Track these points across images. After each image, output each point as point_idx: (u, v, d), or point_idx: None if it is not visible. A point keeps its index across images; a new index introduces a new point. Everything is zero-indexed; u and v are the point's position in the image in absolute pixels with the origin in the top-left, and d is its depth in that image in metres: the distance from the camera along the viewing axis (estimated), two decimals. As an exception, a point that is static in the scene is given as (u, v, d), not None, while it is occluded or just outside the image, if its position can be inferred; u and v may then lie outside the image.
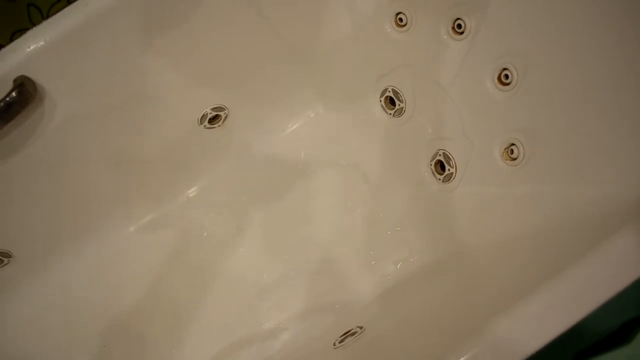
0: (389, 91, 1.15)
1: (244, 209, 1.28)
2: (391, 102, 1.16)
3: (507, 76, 0.89)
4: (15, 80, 0.88)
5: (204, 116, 1.15)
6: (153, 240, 1.29)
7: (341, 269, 1.19)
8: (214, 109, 1.14)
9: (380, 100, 1.17)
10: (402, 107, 1.13)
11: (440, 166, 1.08)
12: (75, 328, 1.25)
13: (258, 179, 1.29)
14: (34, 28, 0.89)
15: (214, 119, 1.16)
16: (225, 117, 1.18)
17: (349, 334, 1.00)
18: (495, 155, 0.94)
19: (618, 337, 0.95)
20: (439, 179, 1.08)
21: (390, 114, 1.17)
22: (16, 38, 0.90)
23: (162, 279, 1.27)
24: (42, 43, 0.89)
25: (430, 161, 1.10)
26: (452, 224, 1.02)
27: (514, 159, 0.91)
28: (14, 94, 0.88)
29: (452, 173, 1.04)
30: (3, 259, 1.16)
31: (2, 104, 0.87)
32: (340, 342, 1.00)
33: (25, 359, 1.24)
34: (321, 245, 1.22)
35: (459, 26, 0.94)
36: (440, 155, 1.07)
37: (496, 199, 0.95)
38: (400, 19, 1.05)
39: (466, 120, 1.00)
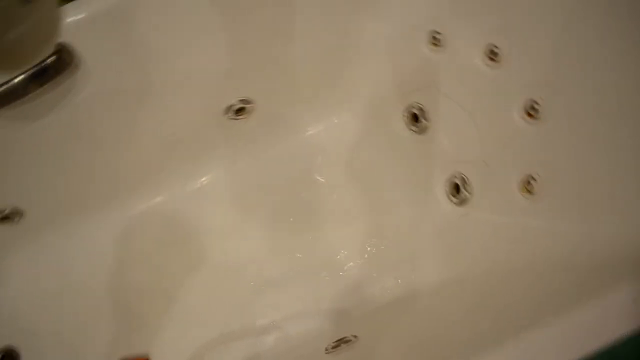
0: (414, 108, 1.15)
1: (252, 205, 1.29)
2: (415, 118, 1.16)
3: (534, 108, 0.89)
4: (55, 46, 0.89)
5: (230, 107, 1.16)
6: (159, 223, 1.31)
7: (342, 276, 1.19)
8: (241, 101, 1.15)
9: (404, 116, 1.18)
10: (425, 126, 1.14)
11: (456, 189, 1.09)
12: (72, 295, 1.27)
13: (271, 176, 1.30)
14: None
15: (239, 111, 1.17)
16: (251, 111, 1.19)
17: (342, 341, 1.01)
18: (512, 185, 0.94)
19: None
20: (453, 201, 1.08)
21: (413, 130, 1.17)
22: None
23: (164, 261, 1.28)
24: (85, 14, 0.91)
25: (446, 183, 1.10)
26: (460, 247, 1.02)
27: (531, 192, 0.91)
28: (51, 59, 0.90)
29: (467, 198, 1.05)
30: (15, 216, 1.18)
31: (38, 67, 0.89)
32: (332, 348, 1.01)
33: (20, 318, 1.26)
34: (325, 250, 1.23)
35: (494, 53, 0.95)
36: (457, 178, 1.08)
37: (507, 228, 0.95)
38: (436, 38, 1.06)
39: (488, 147, 1.00)
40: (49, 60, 0.90)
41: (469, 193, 1.05)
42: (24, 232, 1.23)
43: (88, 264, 1.30)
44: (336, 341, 1.01)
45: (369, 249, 1.19)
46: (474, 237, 1.00)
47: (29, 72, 0.89)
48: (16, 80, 0.88)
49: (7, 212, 1.17)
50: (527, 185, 0.91)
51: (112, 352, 1.20)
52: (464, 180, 1.06)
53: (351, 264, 1.18)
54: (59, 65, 0.91)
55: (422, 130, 1.15)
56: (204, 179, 1.31)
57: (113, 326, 1.24)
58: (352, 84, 1.22)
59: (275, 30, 1.06)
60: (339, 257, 1.21)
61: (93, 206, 1.27)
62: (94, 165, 1.17)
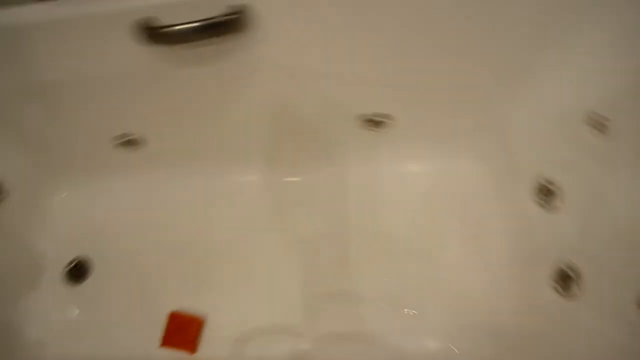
0: (550, 183, 1.08)
1: (331, 217, 1.27)
2: (545, 192, 1.09)
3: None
4: (239, 7, 0.92)
5: (365, 115, 1.15)
6: (243, 198, 1.33)
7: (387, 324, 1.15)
8: (382, 115, 1.13)
9: (535, 186, 1.11)
10: (555, 204, 1.07)
11: (563, 279, 1.01)
12: (155, 233, 1.32)
13: (362, 196, 1.28)
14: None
15: (376, 124, 1.15)
16: (387, 127, 1.17)
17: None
18: (631, 295, 0.86)
19: None
20: (559, 292, 1.01)
21: (538, 202, 1.10)
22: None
23: (249, 235, 1.30)
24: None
25: (555, 269, 1.03)
26: (559, 343, 0.95)
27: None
28: (226, 16, 0.92)
29: (576, 294, 0.97)
30: (139, 144, 1.23)
31: (210, 20, 0.92)
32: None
33: (103, 235, 1.33)
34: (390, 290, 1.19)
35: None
36: (570, 269, 1.00)
37: (614, 340, 0.87)
38: (601, 123, 0.98)
39: (619, 247, 0.92)
40: (225, 17, 0.92)
41: (579, 288, 0.97)
42: (141, 161, 1.29)
43: (180, 210, 1.34)
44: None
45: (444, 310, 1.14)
46: (575, 338, 0.93)
47: (205, 22, 0.91)
48: (190, 25, 0.91)
49: (134, 137, 1.23)
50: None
51: (169, 302, 1.22)
52: (577, 274, 0.98)
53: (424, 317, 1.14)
54: (233, 24, 0.93)
55: (549, 206, 1.08)
56: (294, 178, 1.31)
57: (179, 278, 1.27)
58: (491, 137, 1.17)
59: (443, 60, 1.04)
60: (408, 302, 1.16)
61: (205, 163, 1.30)
62: (223, 126, 1.20)
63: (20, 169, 1.31)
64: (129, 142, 1.25)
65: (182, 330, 1.18)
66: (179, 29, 0.92)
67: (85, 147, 1.28)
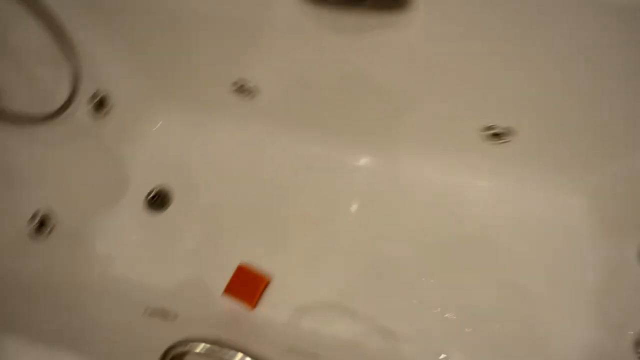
0: None
1: (422, 220, 1.25)
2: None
3: None
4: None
5: (490, 128, 1.12)
6: (340, 177, 1.32)
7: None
8: (505, 128, 1.11)
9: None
10: None
11: None
12: (240, 185, 1.32)
13: (456, 206, 1.26)
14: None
15: (497, 136, 1.13)
16: (507, 142, 1.14)
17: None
18: None
19: None
20: None
21: None
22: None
23: (316, 208, 1.29)
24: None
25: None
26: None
27: None
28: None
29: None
30: (252, 93, 1.24)
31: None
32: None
33: (187, 170, 1.35)
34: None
35: None
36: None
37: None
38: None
39: None
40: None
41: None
42: (248, 110, 1.29)
43: (272, 169, 1.34)
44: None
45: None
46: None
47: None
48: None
49: (250, 85, 1.23)
50: None
51: (240, 253, 1.23)
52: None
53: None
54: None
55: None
56: (408, 172, 1.29)
57: (254, 234, 1.27)
58: (613, 177, 1.13)
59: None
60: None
61: (312, 132, 1.31)
62: (343, 102, 1.20)
63: (129, 89, 1.33)
64: (243, 89, 1.25)
65: (247, 284, 1.18)
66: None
67: (198, 84, 1.29)
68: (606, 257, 1.13)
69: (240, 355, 0.68)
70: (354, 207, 1.28)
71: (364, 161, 1.32)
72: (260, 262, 1.23)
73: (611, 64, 0.92)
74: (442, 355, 1.10)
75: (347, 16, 0.99)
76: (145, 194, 1.33)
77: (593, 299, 1.11)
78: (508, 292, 1.15)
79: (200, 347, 0.70)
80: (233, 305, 1.17)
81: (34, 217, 1.12)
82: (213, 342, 0.69)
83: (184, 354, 0.71)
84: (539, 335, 1.11)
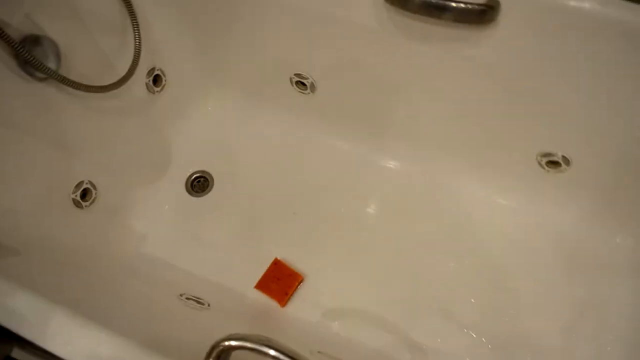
0: None
1: (458, 234, 1.24)
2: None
3: None
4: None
5: (547, 155, 1.10)
6: (386, 182, 1.31)
7: None
8: (561, 157, 1.09)
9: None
10: None
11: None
12: (284, 177, 1.32)
13: (497, 228, 1.24)
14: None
15: (553, 163, 1.11)
16: (563, 171, 1.13)
17: None
18: None
19: None
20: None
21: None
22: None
23: (359, 210, 1.28)
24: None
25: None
26: None
27: None
28: (480, 6, 0.89)
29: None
30: (312, 88, 1.22)
31: (466, 6, 0.89)
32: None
33: (229, 157, 1.34)
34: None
35: None
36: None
37: None
38: None
39: None
40: (475, 5, 0.89)
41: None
42: (302, 104, 1.28)
43: (317, 166, 1.33)
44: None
45: None
46: None
47: (455, 3, 0.89)
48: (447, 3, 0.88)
49: (307, 81, 1.22)
50: None
51: (276, 248, 1.22)
52: None
53: None
54: (481, 15, 0.90)
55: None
56: (452, 185, 1.27)
57: (292, 230, 1.26)
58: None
59: None
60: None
61: (364, 134, 1.29)
62: (403, 108, 1.18)
63: (185, 69, 1.32)
64: (300, 84, 1.24)
65: (281, 280, 1.17)
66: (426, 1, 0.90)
67: (256, 73, 1.28)
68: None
69: (285, 358, 0.67)
70: (389, 213, 1.27)
71: (401, 167, 1.31)
72: (294, 258, 1.22)
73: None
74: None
75: (426, 24, 0.97)
76: (187, 175, 1.32)
77: (626, 336, 1.09)
78: (542, 324, 1.13)
79: (250, 345, 0.69)
80: (264, 300, 1.17)
81: (78, 186, 1.12)
82: (264, 341, 0.68)
83: (232, 348, 0.71)
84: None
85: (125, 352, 0.69)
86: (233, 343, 0.70)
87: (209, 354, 0.72)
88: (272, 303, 1.16)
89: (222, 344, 0.72)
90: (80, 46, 1.08)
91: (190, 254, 1.22)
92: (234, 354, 0.74)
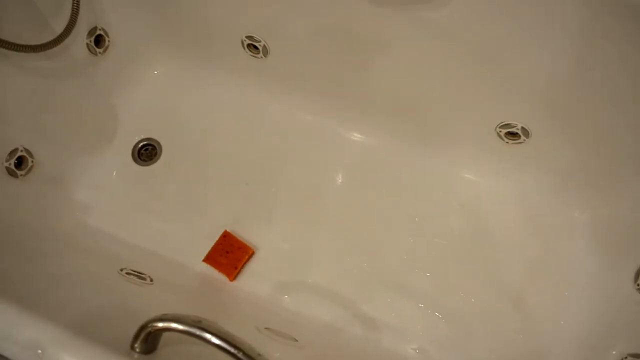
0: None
1: (419, 207, 1.21)
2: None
3: None
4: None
5: (506, 126, 1.07)
6: (340, 152, 1.26)
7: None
8: (520, 129, 1.06)
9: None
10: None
11: None
12: (237, 145, 1.25)
13: (453, 197, 1.21)
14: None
15: (512, 134, 1.08)
16: (523, 142, 1.09)
17: None
18: None
19: None
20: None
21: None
22: None
23: (311, 180, 1.23)
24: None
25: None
26: None
27: None
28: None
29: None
30: (261, 51, 1.16)
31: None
32: None
33: (177, 123, 1.28)
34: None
35: None
36: None
37: None
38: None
39: None
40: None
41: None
42: (253, 67, 1.21)
43: (270, 133, 1.27)
44: None
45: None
46: None
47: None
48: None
49: (259, 44, 1.15)
50: None
51: (225, 220, 1.17)
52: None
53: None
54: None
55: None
56: (411, 159, 1.23)
57: (242, 201, 1.21)
58: (620, 198, 1.09)
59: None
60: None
61: (318, 102, 1.24)
62: (356, 76, 1.13)
63: (129, 29, 1.24)
64: (251, 48, 1.18)
65: (231, 253, 1.13)
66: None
67: (205, 35, 1.21)
68: (600, 274, 1.10)
69: (219, 341, 0.63)
70: (348, 185, 1.22)
71: (363, 138, 1.26)
72: (245, 231, 1.17)
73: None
74: (418, 350, 1.07)
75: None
76: (134, 143, 1.26)
77: (583, 312, 1.09)
78: (497, 297, 1.11)
79: (180, 327, 0.65)
80: (213, 273, 1.12)
81: (12, 153, 1.04)
82: (194, 323, 0.64)
83: (162, 329, 0.66)
84: (522, 344, 1.08)
85: (42, 335, 0.64)
86: (161, 325, 0.65)
87: (136, 336, 0.68)
88: (221, 277, 1.12)
89: (151, 325, 0.67)
90: (12, 2, 0.99)
91: (135, 225, 1.17)
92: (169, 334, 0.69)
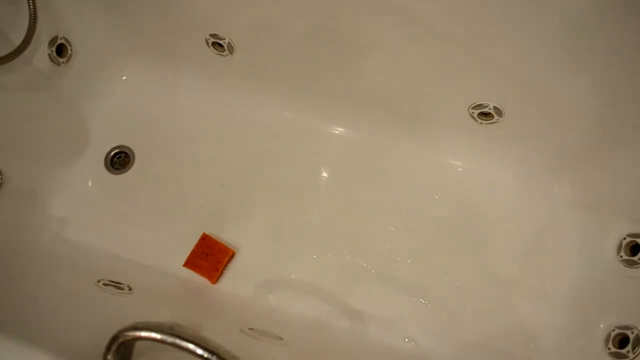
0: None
1: (397, 195, 1.20)
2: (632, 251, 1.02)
3: None
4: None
5: (479, 106, 1.06)
6: (312, 145, 1.25)
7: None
8: (493, 108, 1.05)
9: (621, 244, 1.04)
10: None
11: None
12: (211, 146, 1.24)
13: (429, 181, 1.20)
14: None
15: (485, 115, 1.07)
16: (497, 122, 1.08)
17: None
18: None
19: None
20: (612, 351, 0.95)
21: (623, 261, 1.03)
22: None
23: (285, 177, 1.22)
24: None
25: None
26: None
27: None
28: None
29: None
30: (230, 50, 1.14)
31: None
32: None
33: (150, 131, 1.26)
34: None
35: None
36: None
37: None
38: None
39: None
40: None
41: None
42: (220, 65, 1.19)
43: (242, 132, 1.26)
44: None
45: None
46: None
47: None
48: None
49: (224, 42, 1.13)
50: None
51: (203, 222, 1.16)
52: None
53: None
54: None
55: (630, 267, 1.01)
56: (388, 147, 1.22)
57: (219, 202, 1.20)
58: (597, 168, 1.09)
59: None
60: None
61: (288, 98, 1.23)
62: (326, 68, 1.11)
63: (93, 36, 1.21)
64: (217, 46, 1.16)
65: (211, 256, 1.11)
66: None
67: (169, 37, 1.19)
68: (585, 248, 1.10)
69: (192, 346, 0.61)
70: (327, 179, 1.21)
71: (340, 131, 1.24)
72: (224, 232, 1.16)
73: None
74: (407, 339, 1.06)
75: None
76: (106, 152, 1.23)
77: (569, 288, 1.08)
78: (483, 278, 1.11)
79: (152, 335, 0.63)
80: (194, 278, 1.11)
81: (-22, 172, 1.02)
82: (166, 330, 0.62)
83: (134, 339, 0.64)
84: (510, 323, 1.08)
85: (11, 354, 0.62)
86: (133, 334, 0.64)
87: (108, 347, 0.66)
88: (202, 280, 1.11)
89: (123, 334, 0.65)
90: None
91: (113, 235, 1.15)
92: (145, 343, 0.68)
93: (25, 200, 1.12)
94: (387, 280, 1.11)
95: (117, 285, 1.01)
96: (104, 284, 1.00)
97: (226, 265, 1.12)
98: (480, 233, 1.15)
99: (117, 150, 1.24)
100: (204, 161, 1.23)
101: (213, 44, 1.15)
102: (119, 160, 1.23)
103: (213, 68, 1.21)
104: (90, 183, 1.21)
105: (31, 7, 1.03)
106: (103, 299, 0.95)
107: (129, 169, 1.22)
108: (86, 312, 0.89)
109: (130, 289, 1.01)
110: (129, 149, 1.24)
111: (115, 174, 1.22)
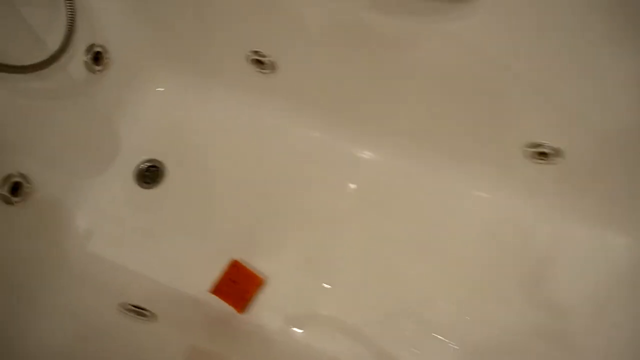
0: None
1: (436, 232, 1.12)
2: None
3: None
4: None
5: (536, 145, 0.98)
6: (356, 174, 1.18)
7: None
8: (553, 149, 0.97)
9: None
10: None
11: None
12: (244, 169, 1.18)
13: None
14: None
15: (543, 154, 0.99)
16: (554, 164, 1.00)
17: None
18: None
19: None
20: None
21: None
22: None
23: (323, 205, 1.16)
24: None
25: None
26: None
27: None
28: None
29: None
30: (272, 67, 1.08)
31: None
32: None
33: (186, 146, 1.20)
34: None
35: None
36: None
37: None
38: None
39: None
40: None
41: None
42: (261, 86, 1.14)
43: (279, 154, 1.20)
44: None
45: None
46: None
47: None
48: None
49: (267, 60, 1.08)
50: None
51: (234, 247, 1.10)
52: None
53: None
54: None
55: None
56: (432, 178, 1.15)
57: (252, 226, 1.14)
58: None
59: None
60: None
61: (330, 121, 1.17)
62: (373, 91, 1.04)
63: (130, 46, 1.17)
64: (258, 63, 1.10)
65: (239, 283, 1.06)
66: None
67: (209, 49, 1.14)
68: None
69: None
70: (362, 209, 1.14)
71: (376, 158, 1.17)
72: (253, 259, 1.10)
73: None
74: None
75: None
76: (136, 165, 1.19)
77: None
78: (524, 326, 1.02)
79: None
80: (220, 305, 1.05)
81: (6, 179, 0.98)
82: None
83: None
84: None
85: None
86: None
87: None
88: (228, 309, 1.05)
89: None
90: (3, 22, 0.93)
91: (138, 252, 1.11)
92: None
93: (50, 211, 1.09)
94: (422, 322, 1.04)
95: (141, 312, 0.96)
96: (127, 309, 0.94)
97: (254, 294, 1.06)
98: (511, 279, 1.06)
99: (148, 164, 1.19)
100: (235, 180, 1.18)
101: (253, 60, 1.10)
102: (150, 174, 1.19)
103: (252, 85, 1.16)
104: (118, 196, 1.17)
105: (69, 11, 0.99)
106: (125, 327, 0.90)
107: (159, 183, 1.18)
108: (102, 339, 0.84)
109: (153, 315, 0.96)
110: (161, 163, 1.19)
111: (145, 187, 1.17)
